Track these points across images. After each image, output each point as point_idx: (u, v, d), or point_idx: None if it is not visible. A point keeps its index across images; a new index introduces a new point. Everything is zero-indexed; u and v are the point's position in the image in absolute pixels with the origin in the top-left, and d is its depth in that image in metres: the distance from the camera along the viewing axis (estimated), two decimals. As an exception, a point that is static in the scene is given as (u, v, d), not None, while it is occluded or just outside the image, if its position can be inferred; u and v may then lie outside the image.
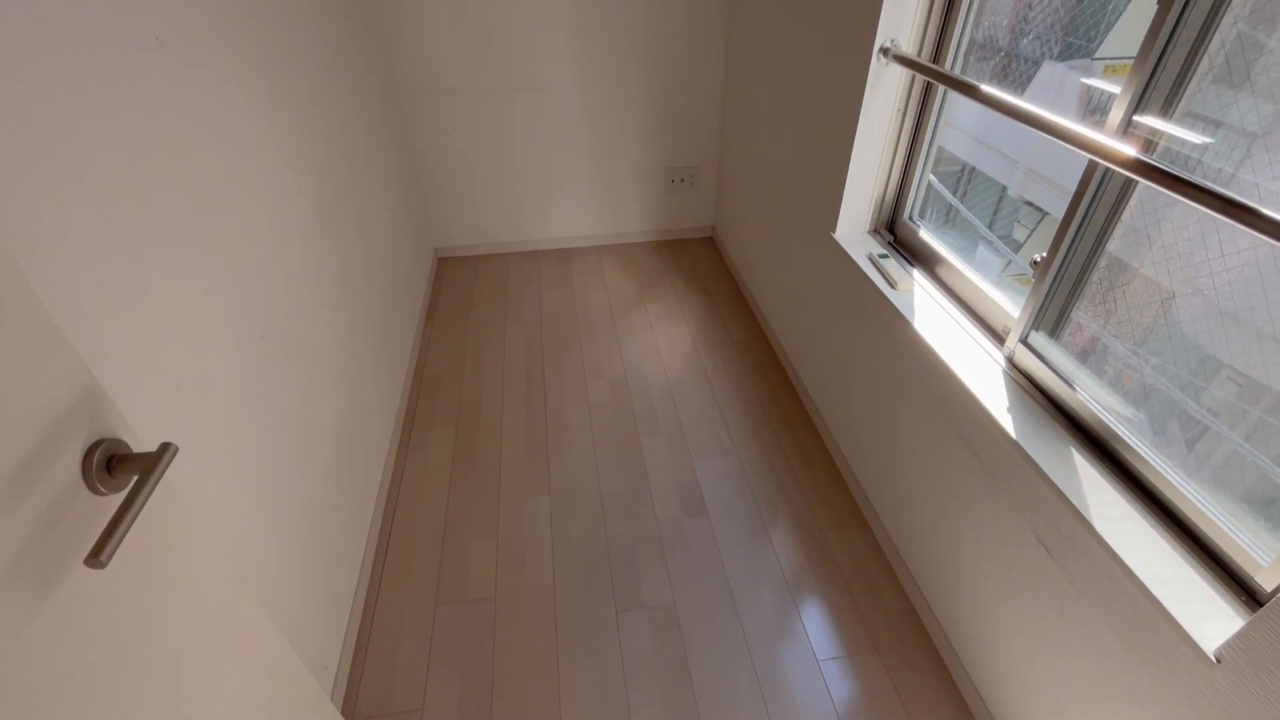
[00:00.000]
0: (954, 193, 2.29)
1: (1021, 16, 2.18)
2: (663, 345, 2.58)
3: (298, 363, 1.39)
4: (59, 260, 0.73)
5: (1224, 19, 0.89)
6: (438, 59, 2.61)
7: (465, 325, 2.71)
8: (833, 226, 1.86)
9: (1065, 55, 1.86)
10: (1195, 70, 0.93)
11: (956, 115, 1.68)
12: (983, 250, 2.14)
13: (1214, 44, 0.92)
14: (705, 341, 2.60)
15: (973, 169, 2.38)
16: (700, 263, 3.17)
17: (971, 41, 1.57)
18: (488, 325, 2.71)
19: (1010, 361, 1.31)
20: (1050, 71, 1.88)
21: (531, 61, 2.68)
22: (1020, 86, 1.96)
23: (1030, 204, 2.21)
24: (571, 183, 3.08)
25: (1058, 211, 1.20)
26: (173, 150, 1.00)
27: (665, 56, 2.77)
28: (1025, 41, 2.10)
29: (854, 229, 1.86)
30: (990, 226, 2.36)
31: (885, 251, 1.74)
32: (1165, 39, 0.92)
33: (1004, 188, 2.27)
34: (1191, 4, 0.89)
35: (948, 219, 2.17)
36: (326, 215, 1.69)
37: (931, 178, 1.73)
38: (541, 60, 2.69)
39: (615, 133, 2.96)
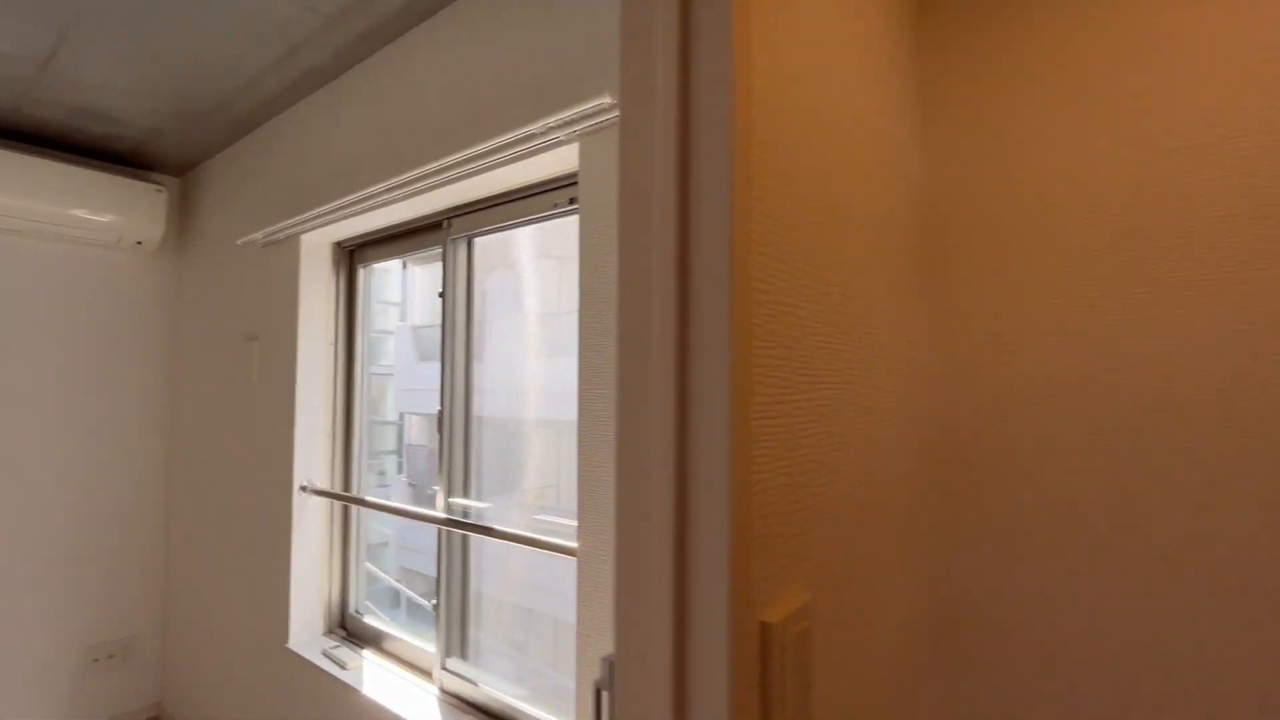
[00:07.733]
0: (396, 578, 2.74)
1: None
2: None
3: None
4: None
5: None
6: None
7: None
8: (285, 638, 1.99)
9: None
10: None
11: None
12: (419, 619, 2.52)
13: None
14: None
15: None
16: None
17: (370, 469, 2.20)
18: None
19: (441, 689, 1.63)
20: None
21: None
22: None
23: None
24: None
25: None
26: None
27: (96, 500, 2.61)
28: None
29: (309, 635, 2.03)
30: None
31: (337, 643, 1.96)
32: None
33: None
34: (450, 437, 1.64)
35: (396, 602, 2.55)
36: None
37: (370, 566, 2.13)
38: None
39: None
